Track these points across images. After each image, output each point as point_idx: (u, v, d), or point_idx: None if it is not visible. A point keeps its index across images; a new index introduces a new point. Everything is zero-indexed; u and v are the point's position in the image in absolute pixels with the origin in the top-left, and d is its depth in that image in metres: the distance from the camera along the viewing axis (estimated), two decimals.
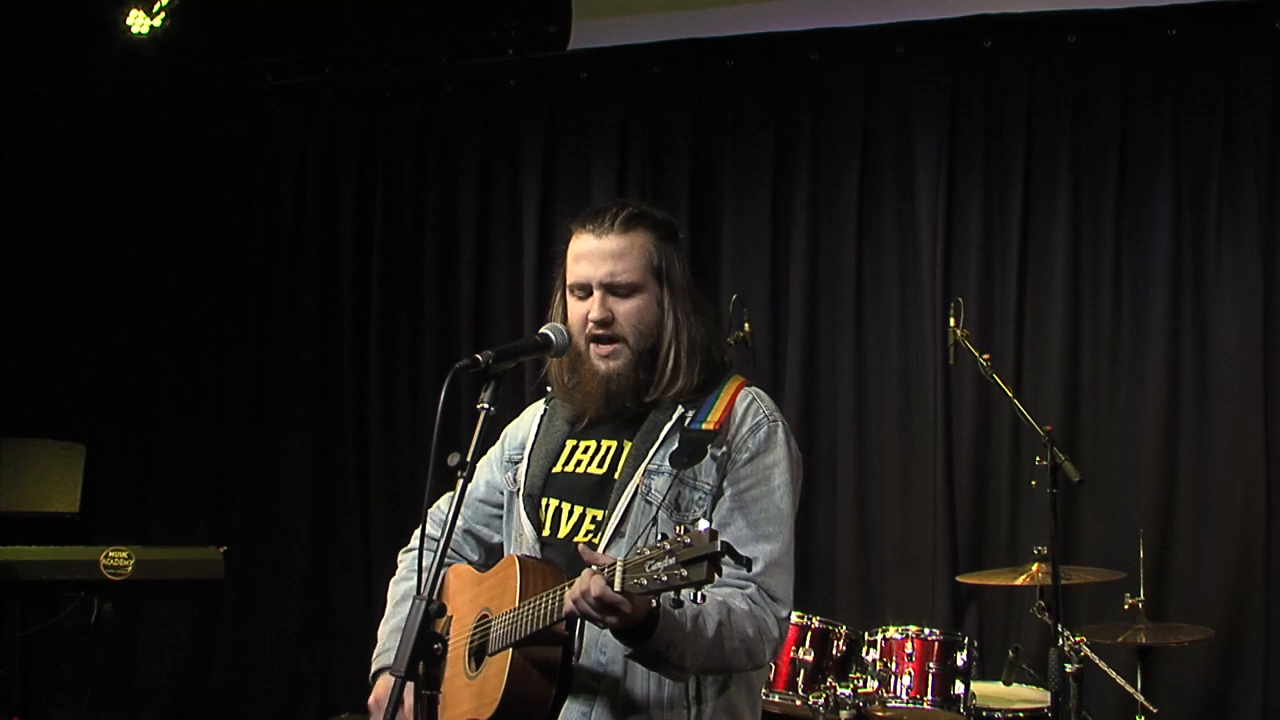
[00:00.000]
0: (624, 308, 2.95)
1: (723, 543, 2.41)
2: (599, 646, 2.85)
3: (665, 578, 2.43)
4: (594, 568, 2.59)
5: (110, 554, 6.32)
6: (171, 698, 7.89)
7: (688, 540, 2.43)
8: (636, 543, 2.84)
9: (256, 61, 7.93)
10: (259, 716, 7.74)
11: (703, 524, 2.44)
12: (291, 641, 7.89)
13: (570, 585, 2.64)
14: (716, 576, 2.43)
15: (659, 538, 2.48)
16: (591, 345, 2.96)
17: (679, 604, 2.49)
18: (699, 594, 2.46)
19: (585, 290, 2.99)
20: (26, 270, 8.14)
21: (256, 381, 8.15)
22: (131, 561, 6.34)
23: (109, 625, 6.50)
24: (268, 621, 7.93)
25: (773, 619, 2.84)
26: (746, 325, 5.65)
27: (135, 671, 7.99)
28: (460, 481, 2.63)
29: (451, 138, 7.86)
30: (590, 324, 2.95)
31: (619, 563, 2.53)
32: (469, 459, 2.63)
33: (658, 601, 2.58)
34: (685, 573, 2.42)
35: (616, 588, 2.51)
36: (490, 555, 3.27)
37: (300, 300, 8.07)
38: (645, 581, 2.46)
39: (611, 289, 2.96)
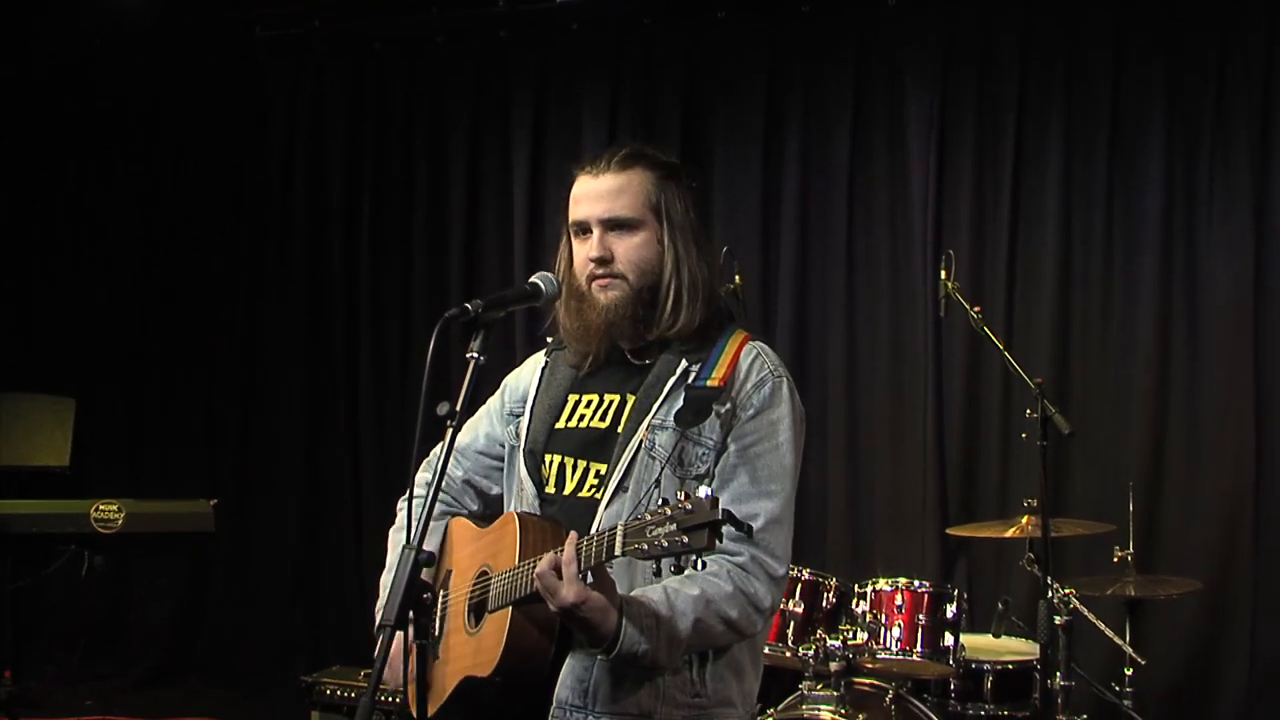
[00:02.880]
0: (623, 245, 2.93)
1: (724, 510, 2.40)
2: None
3: (666, 543, 2.42)
4: (592, 535, 2.61)
5: (100, 507, 6.33)
6: (162, 650, 7.92)
7: (689, 507, 2.41)
8: (641, 498, 2.83)
9: (246, 13, 7.86)
10: (250, 669, 7.75)
11: (703, 490, 2.42)
12: (282, 594, 7.91)
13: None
14: (717, 543, 2.42)
15: (660, 502, 2.47)
16: (593, 283, 2.94)
17: (680, 569, 2.48)
18: (700, 560, 2.45)
19: (585, 229, 2.96)
20: (16, 224, 8.10)
21: (247, 334, 8.15)
22: (122, 514, 6.35)
23: (99, 578, 6.51)
24: (259, 574, 7.95)
25: (765, 585, 2.81)
26: (738, 278, 5.63)
27: (126, 624, 8.02)
28: (449, 431, 2.62)
29: (442, 89, 7.82)
30: (590, 262, 2.94)
31: (619, 526, 2.52)
32: (458, 408, 2.62)
33: (621, 619, 2.61)
34: (686, 539, 2.40)
35: (617, 552, 2.51)
36: (489, 507, 3.26)
37: (291, 253, 8.05)
38: (646, 546, 2.45)
39: (610, 225, 2.93)
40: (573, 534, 2.64)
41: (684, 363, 2.92)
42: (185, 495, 6.94)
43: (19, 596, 6.74)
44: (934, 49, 6.85)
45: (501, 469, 3.23)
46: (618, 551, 2.51)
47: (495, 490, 3.26)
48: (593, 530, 2.79)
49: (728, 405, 2.87)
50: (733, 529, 2.49)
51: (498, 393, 3.30)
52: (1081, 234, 6.63)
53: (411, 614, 2.52)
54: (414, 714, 2.98)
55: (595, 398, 3.03)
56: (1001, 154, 6.74)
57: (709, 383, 2.88)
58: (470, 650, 2.91)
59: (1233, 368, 6.35)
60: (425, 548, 2.57)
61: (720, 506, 2.40)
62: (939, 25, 6.86)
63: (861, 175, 6.98)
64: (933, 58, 6.85)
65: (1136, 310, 6.52)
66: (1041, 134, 6.68)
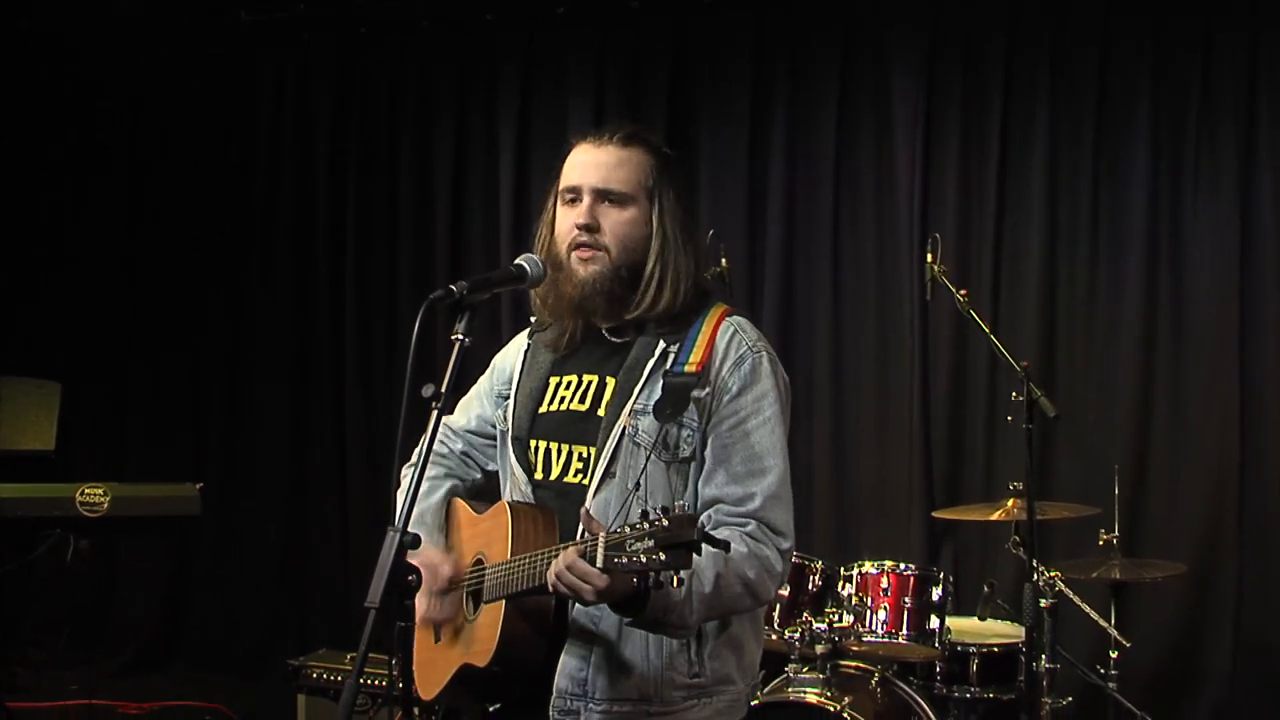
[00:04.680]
0: (612, 218, 2.92)
1: (700, 531, 2.41)
2: None
3: (644, 559, 2.43)
4: (574, 542, 2.61)
5: (86, 491, 6.30)
6: (149, 634, 7.91)
7: (667, 524, 2.42)
8: (628, 485, 2.84)
9: None
10: (236, 652, 7.76)
11: (680, 505, 2.45)
12: (269, 578, 7.91)
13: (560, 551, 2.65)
14: (695, 556, 2.43)
15: (640, 515, 2.47)
16: (573, 253, 2.93)
17: (660, 586, 2.49)
18: (676, 577, 2.45)
19: (575, 195, 2.96)
20: (2, 207, 8.07)
21: (233, 318, 8.14)
22: (107, 498, 6.32)
23: (85, 562, 6.49)
24: (245, 558, 7.95)
25: (775, 553, 2.82)
26: (724, 261, 5.63)
27: (112, 608, 8.01)
28: (434, 412, 2.62)
29: (427, 74, 7.80)
30: (575, 229, 2.93)
31: (601, 538, 2.52)
32: (443, 390, 2.62)
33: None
34: (664, 556, 2.41)
35: (598, 564, 2.51)
36: (490, 479, 3.28)
37: (277, 237, 8.04)
38: (625, 560, 2.45)
39: (603, 195, 2.93)
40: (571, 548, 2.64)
41: (662, 344, 2.92)
42: (171, 478, 6.92)
43: (4, 581, 6.72)
44: (920, 35, 6.83)
45: (494, 446, 3.24)
46: (599, 565, 2.52)
47: (492, 466, 3.27)
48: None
49: (706, 389, 2.87)
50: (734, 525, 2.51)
51: (487, 373, 3.31)
52: (1067, 219, 6.62)
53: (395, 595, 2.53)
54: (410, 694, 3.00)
55: (574, 378, 3.03)
56: (987, 140, 6.73)
57: (686, 368, 2.88)
58: (467, 638, 2.95)
59: (1217, 352, 6.36)
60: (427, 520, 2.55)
61: (697, 525, 2.41)
62: (925, 11, 6.84)
63: (848, 160, 6.97)
64: (919, 39, 6.83)
65: (1122, 295, 6.52)
66: (1028, 120, 6.66)
